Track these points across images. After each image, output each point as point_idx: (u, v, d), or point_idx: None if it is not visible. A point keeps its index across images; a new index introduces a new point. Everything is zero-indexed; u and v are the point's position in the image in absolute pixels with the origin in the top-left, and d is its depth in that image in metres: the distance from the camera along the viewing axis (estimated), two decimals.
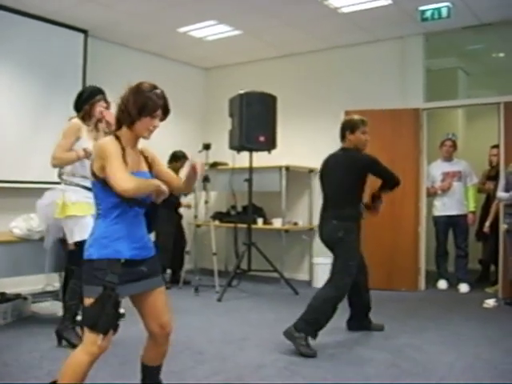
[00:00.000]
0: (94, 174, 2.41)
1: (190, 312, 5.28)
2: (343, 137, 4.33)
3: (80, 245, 3.82)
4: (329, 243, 4.22)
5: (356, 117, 4.35)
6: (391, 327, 4.61)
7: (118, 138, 2.43)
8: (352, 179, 4.21)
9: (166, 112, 2.49)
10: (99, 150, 2.38)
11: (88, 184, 3.83)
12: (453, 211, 6.56)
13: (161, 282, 2.61)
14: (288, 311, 5.14)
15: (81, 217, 3.82)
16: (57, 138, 3.93)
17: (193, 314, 5.18)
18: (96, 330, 2.29)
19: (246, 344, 4.16)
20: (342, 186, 4.23)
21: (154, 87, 2.44)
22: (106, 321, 2.29)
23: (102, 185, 2.38)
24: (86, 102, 4.00)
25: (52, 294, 5.56)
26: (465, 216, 6.59)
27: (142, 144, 2.58)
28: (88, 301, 2.33)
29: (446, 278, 6.64)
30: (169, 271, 6.92)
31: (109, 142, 2.41)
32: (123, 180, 2.28)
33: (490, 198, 6.57)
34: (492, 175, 6.65)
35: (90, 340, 2.31)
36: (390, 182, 4.28)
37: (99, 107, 3.97)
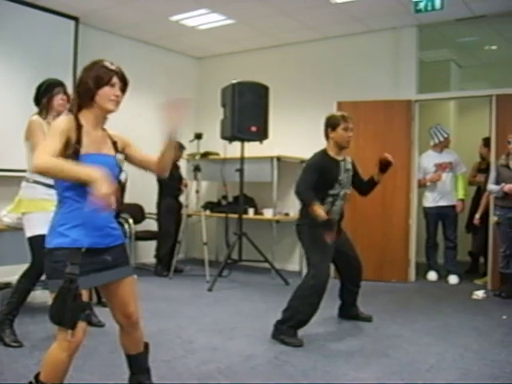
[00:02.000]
0: None
1: (180, 301, 5.28)
2: (326, 136, 4.22)
3: (30, 241, 3.77)
4: (297, 236, 4.28)
5: (337, 113, 4.29)
6: (381, 318, 4.63)
7: (76, 117, 2.34)
8: None
9: (124, 82, 2.41)
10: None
11: (48, 181, 3.81)
12: (443, 202, 6.57)
13: (129, 271, 2.51)
14: (278, 301, 5.13)
15: (34, 213, 3.77)
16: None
17: (183, 304, 5.18)
18: (62, 325, 2.22)
19: (236, 333, 4.17)
20: None
21: (105, 61, 2.39)
22: (69, 315, 2.20)
23: None
24: (43, 95, 3.83)
25: (42, 283, 5.51)
26: (454, 207, 6.61)
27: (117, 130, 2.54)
28: (52, 296, 2.25)
29: (435, 270, 6.67)
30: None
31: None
32: (38, 157, 2.15)
33: (481, 190, 6.60)
34: (483, 168, 6.67)
35: (61, 336, 2.24)
36: (295, 188, 4.12)
37: (58, 100, 3.81)
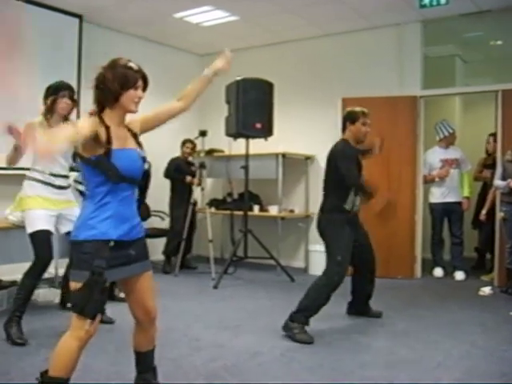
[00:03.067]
0: (79, 156, 2.36)
1: (186, 299, 5.28)
2: (344, 128, 4.35)
3: (31, 237, 3.79)
4: (318, 233, 4.31)
5: (357, 108, 4.35)
6: (388, 315, 4.62)
7: (101, 118, 2.38)
8: (331, 170, 4.24)
9: (146, 82, 2.46)
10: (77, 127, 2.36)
11: (45, 178, 3.83)
12: (450, 198, 6.55)
13: (149, 265, 2.56)
14: (284, 298, 5.15)
15: (34, 210, 3.79)
16: None
17: (189, 301, 5.19)
18: (83, 315, 2.27)
19: (242, 331, 4.16)
20: (327, 177, 4.31)
21: (129, 61, 2.43)
22: (93, 306, 2.27)
23: (87, 164, 2.35)
24: (48, 96, 3.85)
25: (47, 281, 5.54)
26: (460, 203, 6.59)
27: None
28: (75, 285, 2.30)
29: (441, 266, 6.65)
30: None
31: (86, 120, 2.38)
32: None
33: (487, 186, 6.57)
34: (489, 163, 6.64)
35: (78, 325, 2.29)
36: (346, 180, 4.15)
37: (61, 103, 3.81)
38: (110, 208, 2.35)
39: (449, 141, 6.66)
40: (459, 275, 6.39)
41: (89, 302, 2.26)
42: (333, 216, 4.21)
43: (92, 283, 2.26)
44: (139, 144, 2.51)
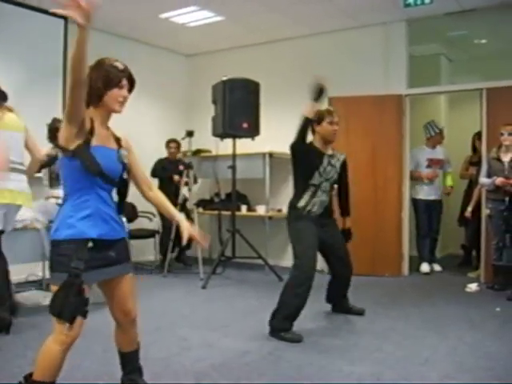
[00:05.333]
0: (62, 148, 2.29)
1: (174, 299, 5.28)
2: (313, 131, 4.25)
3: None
4: None
5: (322, 108, 4.29)
6: (375, 312, 4.64)
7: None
8: (293, 170, 4.27)
9: (131, 82, 2.43)
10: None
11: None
12: (432, 197, 6.78)
13: (129, 268, 2.54)
14: (272, 298, 5.12)
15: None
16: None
17: (177, 301, 5.18)
18: (61, 318, 2.23)
19: (230, 330, 4.17)
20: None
21: (115, 60, 2.41)
22: (70, 309, 2.22)
23: (68, 159, 2.28)
24: None
25: (35, 284, 5.52)
26: (441, 201, 6.86)
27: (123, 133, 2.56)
28: (53, 288, 2.26)
29: (427, 261, 6.73)
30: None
31: None
32: None
33: (473, 183, 6.63)
34: (475, 161, 6.71)
35: (59, 329, 2.25)
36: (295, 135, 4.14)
37: None
38: (89, 206, 2.31)
39: (436, 140, 6.79)
40: (425, 267, 6.67)
41: (65, 305, 2.21)
42: (289, 212, 4.23)
43: (68, 285, 2.21)
44: (120, 146, 2.48)
